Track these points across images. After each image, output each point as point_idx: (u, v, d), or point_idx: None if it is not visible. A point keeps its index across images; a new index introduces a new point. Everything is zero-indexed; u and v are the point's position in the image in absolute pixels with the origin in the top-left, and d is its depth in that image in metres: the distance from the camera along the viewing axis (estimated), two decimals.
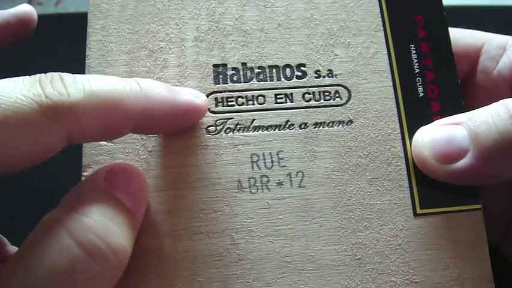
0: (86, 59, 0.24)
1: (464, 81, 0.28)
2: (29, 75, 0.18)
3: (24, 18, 0.27)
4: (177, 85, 0.24)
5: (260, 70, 0.24)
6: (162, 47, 0.24)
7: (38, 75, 0.18)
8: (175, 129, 0.22)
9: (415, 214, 0.22)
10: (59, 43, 0.39)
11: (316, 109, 0.24)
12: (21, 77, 0.18)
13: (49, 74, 0.18)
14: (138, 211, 0.21)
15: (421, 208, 0.22)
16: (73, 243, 0.17)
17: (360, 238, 0.22)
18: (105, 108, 0.18)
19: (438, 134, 0.22)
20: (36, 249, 0.17)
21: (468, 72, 0.28)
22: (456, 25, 0.27)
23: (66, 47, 0.29)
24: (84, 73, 0.24)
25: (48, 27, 0.28)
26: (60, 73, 0.19)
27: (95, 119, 0.18)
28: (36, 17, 0.28)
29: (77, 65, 0.30)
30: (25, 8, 0.28)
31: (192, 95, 0.22)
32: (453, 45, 0.25)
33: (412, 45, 0.25)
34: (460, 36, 0.28)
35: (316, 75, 0.24)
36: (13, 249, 0.24)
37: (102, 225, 0.18)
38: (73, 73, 0.19)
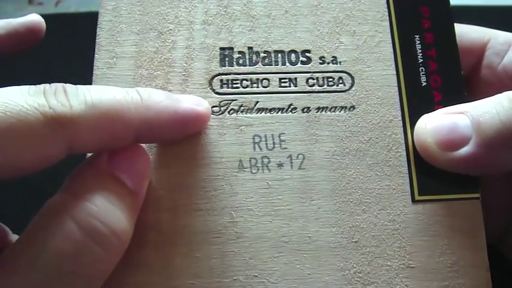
0: (97, 38, 0.25)
1: (469, 76, 0.28)
2: (29, 75, 0.19)
3: (33, 27, 0.28)
4: (184, 66, 0.24)
5: (266, 54, 0.25)
6: (171, 29, 0.25)
7: (43, 85, 0.19)
8: (179, 137, 0.23)
9: (414, 200, 0.23)
10: (59, 43, 0.40)
11: (319, 94, 0.24)
12: (27, 86, 0.18)
13: (53, 85, 0.19)
14: (140, 190, 0.21)
15: (419, 195, 0.23)
16: (76, 228, 0.18)
17: (358, 221, 0.22)
18: (106, 120, 0.19)
19: (441, 122, 0.23)
20: (40, 234, 0.18)
21: (473, 67, 0.28)
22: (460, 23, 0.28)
23: (66, 47, 0.29)
24: (84, 73, 0.24)
25: (48, 27, 0.28)
26: (64, 84, 0.19)
27: (95, 130, 0.19)
28: (44, 26, 0.29)
29: (77, 64, 0.30)
30: (34, 18, 0.28)
31: (194, 103, 0.22)
32: (459, 40, 0.25)
33: (417, 36, 0.25)
34: (466, 31, 0.28)
35: (320, 61, 0.24)
36: (15, 238, 0.25)
37: (105, 211, 0.19)
38: (73, 73, 0.19)
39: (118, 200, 0.19)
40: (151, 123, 0.20)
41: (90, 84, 0.24)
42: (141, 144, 0.22)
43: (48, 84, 0.19)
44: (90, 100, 0.19)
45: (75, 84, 0.20)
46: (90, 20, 0.28)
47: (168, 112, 0.21)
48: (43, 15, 0.31)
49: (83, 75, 0.26)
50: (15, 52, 0.29)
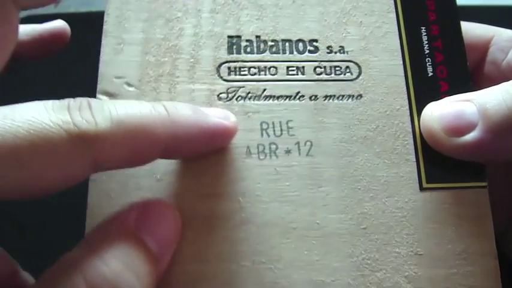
0: (104, 24, 0.24)
1: (473, 72, 0.29)
2: (30, 74, 0.18)
3: (57, 33, 0.28)
4: (191, 53, 0.24)
5: (273, 43, 0.25)
6: (178, 17, 0.25)
7: (67, 100, 0.18)
8: (206, 152, 0.22)
9: (421, 188, 0.23)
10: None
11: (326, 82, 0.24)
12: (51, 102, 0.18)
13: (78, 100, 0.18)
14: (164, 256, 0.20)
15: (427, 182, 0.23)
16: None
17: (366, 208, 0.22)
18: (132, 136, 0.18)
19: (448, 109, 0.23)
20: None
21: (477, 63, 0.29)
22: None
23: (66, 47, 0.30)
24: (84, 73, 0.24)
25: None
26: (89, 99, 0.18)
27: (121, 147, 0.18)
28: (69, 32, 0.29)
29: (77, 64, 0.30)
30: (58, 24, 0.28)
31: (221, 117, 0.22)
32: (464, 36, 0.26)
33: (423, 28, 0.25)
34: (470, 28, 0.28)
35: (328, 50, 0.25)
36: (25, 275, 0.24)
37: (120, 275, 0.17)
38: (73, 72, 0.19)
39: (137, 265, 0.18)
40: (178, 138, 0.20)
41: (91, 82, 0.24)
42: (174, 208, 0.21)
43: (72, 99, 0.18)
44: (116, 116, 0.18)
45: (74, 84, 0.19)
46: (90, 20, 0.28)
47: (195, 126, 0.20)
48: (43, 15, 0.31)
49: (84, 75, 0.25)
50: (39, 58, 0.29)
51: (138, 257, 0.18)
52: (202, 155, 0.22)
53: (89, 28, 0.27)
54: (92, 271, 0.17)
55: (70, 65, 0.30)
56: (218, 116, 0.22)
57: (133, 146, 0.18)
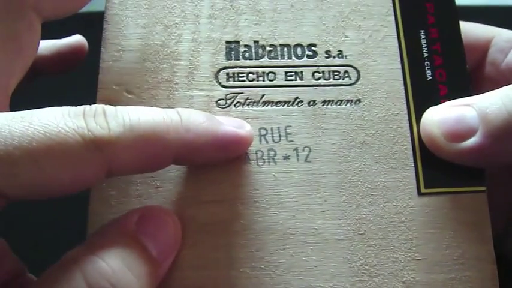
0: (103, 31, 0.25)
1: (473, 73, 0.28)
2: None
3: (76, 48, 0.29)
4: (190, 59, 0.24)
5: (271, 48, 0.25)
6: (177, 23, 0.25)
7: (83, 107, 0.19)
8: (219, 160, 0.22)
9: (420, 193, 0.23)
10: None
11: (325, 87, 0.24)
12: (67, 108, 0.18)
13: (93, 107, 0.19)
14: (165, 261, 0.20)
15: (425, 187, 0.23)
16: (85, 287, 0.17)
17: (364, 214, 0.22)
18: (145, 142, 0.19)
19: (448, 114, 0.23)
20: (50, 286, 0.17)
21: (477, 64, 0.29)
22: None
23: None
24: (84, 72, 0.24)
25: (48, 27, 0.29)
26: (104, 106, 0.19)
27: (134, 153, 0.19)
28: (86, 46, 0.29)
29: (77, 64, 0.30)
30: (77, 39, 0.29)
31: (235, 126, 0.22)
32: (463, 37, 0.25)
33: (422, 31, 0.25)
34: (470, 29, 0.28)
35: (326, 55, 0.25)
36: (31, 277, 0.24)
37: (119, 274, 0.18)
38: (73, 72, 0.19)
39: (137, 265, 0.18)
40: (191, 145, 0.20)
41: (91, 82, 0.24)
42: (174, 215, 0.21)
43: (88, 106, 0.19)
44: (129, 122, 0.18)
45: (74, 83, 0.20)
46: (90, 20, 0.28)
47: (209, 134, 0.20)
48: None
49: (84, 75, 0.26)
50: (59, 72, 0.29)
51: (138, 258, 0.19)
52: (218, 164, 0.22)
53: (89, 28, 0.28)
54: (92, 269, 0.18)
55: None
56: (232, 124, 0.22)
57: (146, 152, 0.19)
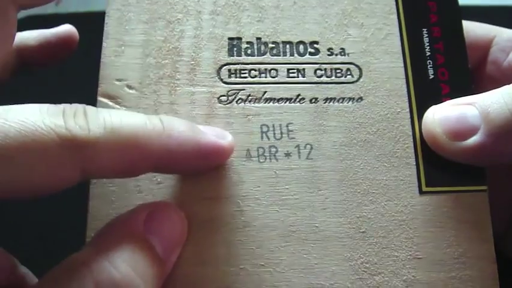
0: (105, 26, 0.24)
1: (475, 72, 0.28)
2: (30, 74, 0.18)
3: (65, 38, 0.28)
4: (192, 55, 0.24)
5: (274, 45, 0.25)
6: (179, 18, 0.25)
7: (63, 105, 0.18)
8: (200, 169, 0.22)
9: (421, 192, 0.23)
10: None
11: (327, 85, 0.24)
12: (47, 105, 0.18)
13: (74, 106, 0.18)
14: (169, 259, 0.20)
15: (426, 186, 0.23)
16: None
17: (365, 212, 0.22)
18: (125, 146, 0.18)
19: (450, 112, 0.23)
20: None
21: (479, 63, 0.29)
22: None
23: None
24: (85, 72, 0.24)
25: (48, 27, 0.28)
26: (85, 106, 0.18)
27: (113, 156, 0.18)
28: (77, 37, 0.28)
29: (77, 63, 0.30)
30: (66, 28, 0.28)
31: (217, 136, 0.21)
32: (465, 36, 0.25)
33: (425, 29, 0.25)
34: (472, 28, 0.28)
35: (328, 52, 0.24)
36: (24, 270, 0.24)
37: (128, 281, 0.18)
38: (73, 72, 0.19)
39: (144, 268, 0.18)
40: (171, 153, 0.19)
41: (91, 82, 0.24)
42: (181, 211, 0.21)
43: (68, 105, 0.18)
44: (110, 124, 0.18)
45: (74, 84, 0.19)
46: (90, 20, 0.28)
47: (191, 143, 0.20)
48: (43, 15, 0.30)
49: (83, 75, 0.25)
50: (48, 64, 0.29)
51: (145, 261, 0.19)
52: (196, 172, 0.22)
53: (89, 28, 0.27)
54: (102, 274, 0.17)
55: (70, 64, 0.30)
56: (215, 134, 0.21)
57: (125, 156, 0.18)
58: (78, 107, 0.18)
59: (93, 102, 0.23)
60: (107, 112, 0.19)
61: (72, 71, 0.32)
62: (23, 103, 0.18)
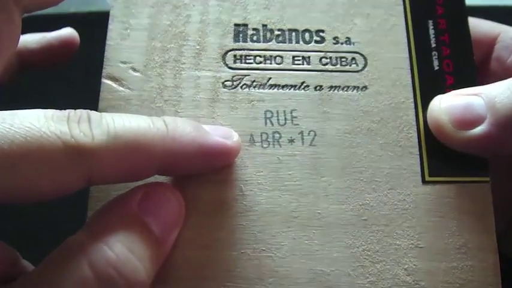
0: (111, 9, 0.24)
1: (479, 68, 0.28)
2: (30, 74, 0.18)
3: (66, 41, 0.28)
4: (198, 40, 0.24)
5: (280, 32, 0.25)
6: (186, 3, 0.25)
7: (67, 111, 0.18)
8: (205, 171, 0.22)
9: (424, 181, 0.23)
10: None
11: (332, 73, 0.24)
12: (51, 111, 0.18)
13: (78, 112, 0.18)
14: (167, 239, 0.20)
15: (429, 176, 0.23)
16: (92, 276, 0.17)
17: (367, 200, 0.22)
18: (129, 152, 0.18)
19: (456, 101, 0.23)
20: (54, 274, 0.17)
21: (483, 59, 0.29)
22: None
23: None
24: (85, 72, 0.24)
25: (48, 27, 0.28)
26: (89, 112, 0.18)
27: (117, 162, 0.18)
28: (78, 40, 0.29)
29: (77, 63, 0.30)
30: (67, 31, 0.28)
31: (223, 136, 0.21)
32: (470, 32, 0.25)
33: (430, 21, 0.25)
34: (478, 24, 0.28)
35: (334, 41, 0.24)
36: (25, 263, 0.24)
37: (124, 260, 0.18)
38: (73, 72, 0.19)
39: (140, 249, 0.18)
40: (176, 155, 0.19)
41: (91, 82, 0.24)
42: (177, 191, 0.21)
43: (73, 111, 0.18)
44: (114, 130, 0.18)
45: (75, 84, 0.19)
46: (90, 20, 0.28)
47: (195, 145, 0.20)
48: (43, 15, 0.30)
49: (84, 75, 0.25)
50: (49, 66, 0.29)
51: (142, 241, 0.18)
52: (202, 173, 0.22)
53: (89, 28, 0.27)
54: (96, 255, 0.17)
55: (70, 64, 0.30)
56: (220, 134, 0.21)
57: (129, 161, 0.18)
58: (83, 113, 0.18)
59: (93, 102, 0.23)
60: (110, 117, 0.19)
61: (71, 71, 0.32)
62: (23, 104, 0.18)
